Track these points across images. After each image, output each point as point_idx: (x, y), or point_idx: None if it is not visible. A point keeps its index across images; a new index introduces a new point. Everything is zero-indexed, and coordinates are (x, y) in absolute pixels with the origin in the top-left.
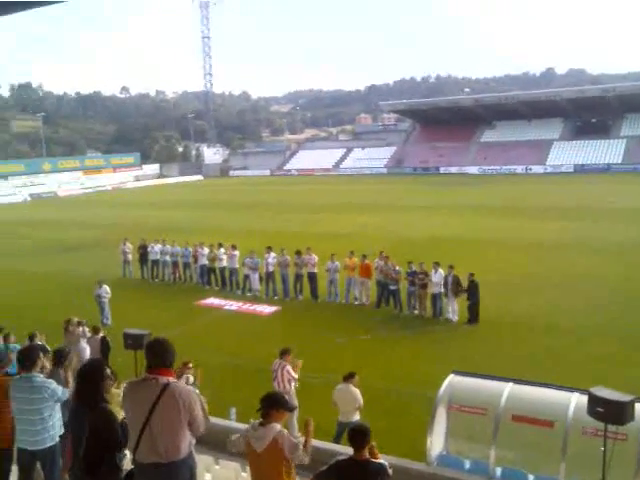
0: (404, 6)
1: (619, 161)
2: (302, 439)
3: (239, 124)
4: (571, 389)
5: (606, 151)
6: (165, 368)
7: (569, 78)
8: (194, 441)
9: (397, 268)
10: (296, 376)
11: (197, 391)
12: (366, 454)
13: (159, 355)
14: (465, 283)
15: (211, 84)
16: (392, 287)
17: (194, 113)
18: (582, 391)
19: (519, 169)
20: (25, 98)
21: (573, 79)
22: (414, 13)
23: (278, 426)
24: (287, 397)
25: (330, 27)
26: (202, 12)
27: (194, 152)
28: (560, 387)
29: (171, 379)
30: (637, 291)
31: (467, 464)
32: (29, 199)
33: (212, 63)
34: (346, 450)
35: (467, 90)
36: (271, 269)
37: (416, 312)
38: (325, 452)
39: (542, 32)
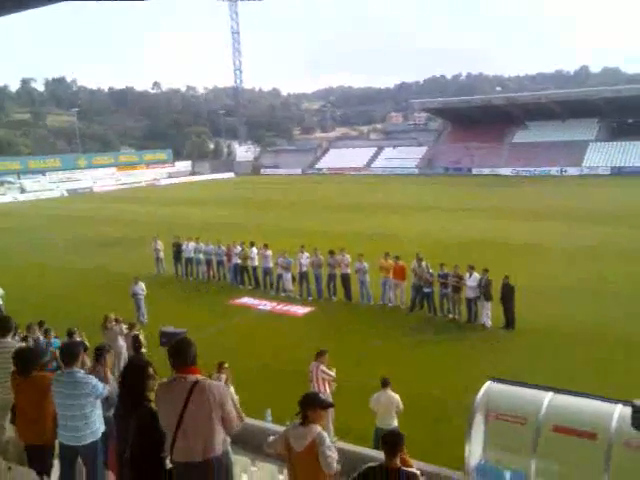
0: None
1: None
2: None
3: (270, 121)
4: (614, 400)
5: None
6: (193, 366)
7: (603, 77)
8: (229, 439)
9: (431, 270)
10: (333, 374)
11: (232, 388)
12: (398, 462)
13: (184, 354)
14: (499, 286)
15: (241, 80)
16: (426, 290)
17: (225, 109)
18: (625, 402)
19: (553, 170)
20: (59, 93)
21: (608, 78)
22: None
23: (318, 428)
24: (322, 396)
25: (360, 22)
26: (231, 7)
27: (225, 149)
28: (602, 398)
29: (199, 376)
30: None
31: (508, 475)
32: (66, 194)
33: (242, 59)
34: (381, 456)
35: (499, 89)
36: (304, 269)
37: (450, 316)
38: (360, 457)
39: (576, 29)
